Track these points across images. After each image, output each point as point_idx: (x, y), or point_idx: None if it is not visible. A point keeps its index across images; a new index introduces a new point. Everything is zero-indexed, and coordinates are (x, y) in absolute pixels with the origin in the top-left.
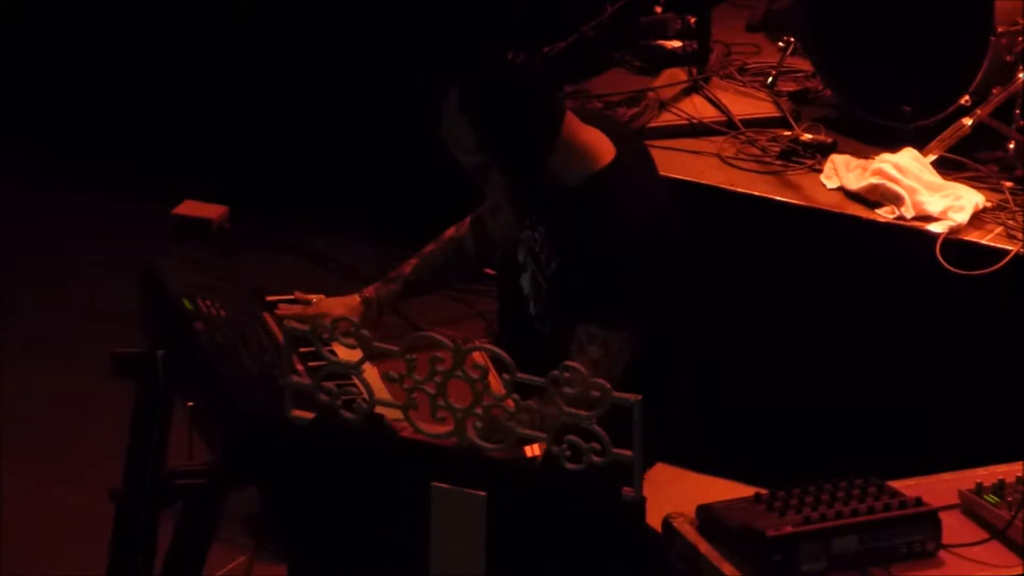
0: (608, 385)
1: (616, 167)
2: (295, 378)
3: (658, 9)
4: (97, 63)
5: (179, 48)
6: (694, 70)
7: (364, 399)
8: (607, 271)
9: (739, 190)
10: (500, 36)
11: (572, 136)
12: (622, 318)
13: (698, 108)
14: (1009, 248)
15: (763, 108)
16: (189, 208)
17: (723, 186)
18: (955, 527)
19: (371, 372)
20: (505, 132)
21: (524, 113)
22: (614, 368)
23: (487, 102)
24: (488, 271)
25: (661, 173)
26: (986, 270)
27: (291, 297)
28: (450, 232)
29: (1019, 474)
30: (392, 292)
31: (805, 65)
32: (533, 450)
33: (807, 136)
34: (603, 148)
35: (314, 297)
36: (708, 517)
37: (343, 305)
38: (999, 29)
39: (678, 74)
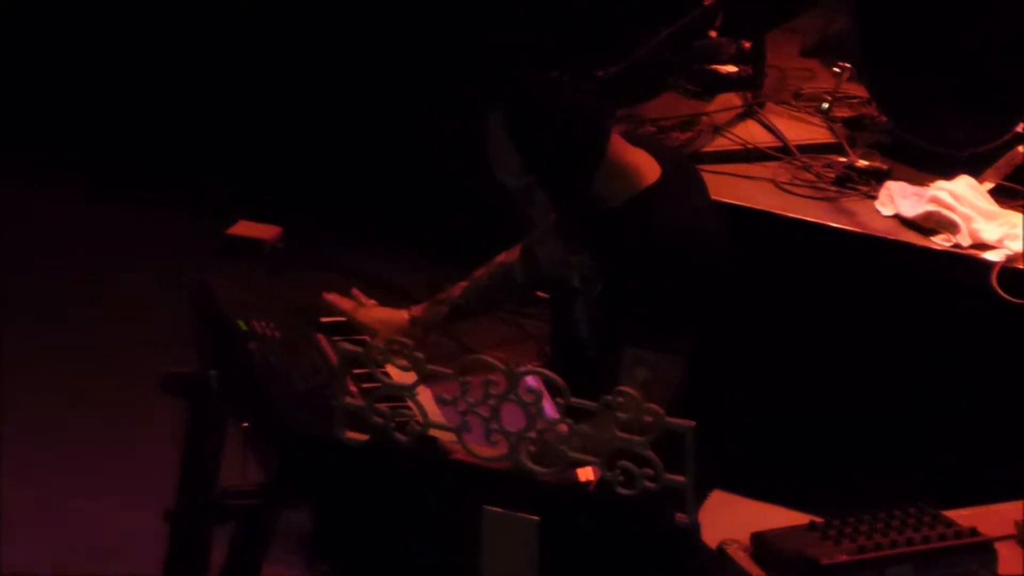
0: (661, 410)
1: (660, 187)
2: (349, 399)
3: (712, 33)
4: (162, 83)
5: (237, 70)
6: (748, 95)
7: (417, 421)
8: (651, 292)
9: (793, 216)
10: (544, 55)
11: (617, 156)
12: (668, 340)
13: (752, 133)
14: None
15: (818, 134)
16: (243, 228)
17: (777, 211)
18: (1011, 557)
19: (424, 394)
20: (550, 153)
21: (569, 133)
22: (664, 391)
23: (531, 122)
24: (539, 294)
25: (714, 198)
26: None
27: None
28: (501, 257)
29: None
30: (439, 314)
31: (860, 91)
32: (586, 475)
33: (862, 162)
34: (648, 168)
35: (369, 302)
36: (762, 544)
37: (389, 322)
38: None
39: (732, 99)
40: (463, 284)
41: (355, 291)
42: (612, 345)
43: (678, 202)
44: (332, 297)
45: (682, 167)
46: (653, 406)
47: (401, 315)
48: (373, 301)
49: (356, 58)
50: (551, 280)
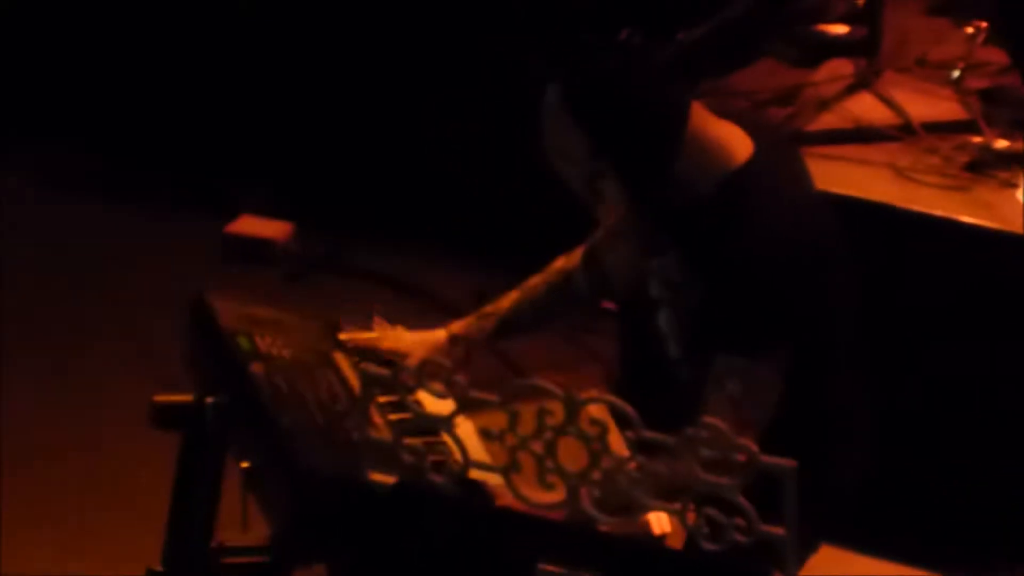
0: (754, 446)
1: (756, 165)
2: (373, 433)
3: None
4: (136, 57)
5: (236, 37)
6: (862, 62)
7: (456, 460)
8: (750, 289)
9: (917, 209)
10: (612, 15)
11: (701, 131)
12: (766, 344)
13: (867, 108)
14: None
15: (947, 109)
16: (246, 225)
17: (897, 204)
18: None
19: (465, 427)
20: (623, 132)
21: (643, 106)
22: (759, 410)
23: (597, 96)
24: (607, 305)
25: (819, 187)
26: None
27: (374, 334)
28: (559, 263)
29: None
30: (484, 330)
31: (999, 56)
32: (661, 525)
33: (1001, 143)
34: (738, 144)
35: (395, 329)
36: None
37: (425, 343)
38: None
39: (842, 67)
40: (514, 295)
41: (376, 318)
42: (706, 364)
43: (779, 182)
44: (348, 336)
45: (779, 144)
46: (746, 441)
47: (437, 335)
48: (398, 329)
49: (374, 46)
50: (623, 289)
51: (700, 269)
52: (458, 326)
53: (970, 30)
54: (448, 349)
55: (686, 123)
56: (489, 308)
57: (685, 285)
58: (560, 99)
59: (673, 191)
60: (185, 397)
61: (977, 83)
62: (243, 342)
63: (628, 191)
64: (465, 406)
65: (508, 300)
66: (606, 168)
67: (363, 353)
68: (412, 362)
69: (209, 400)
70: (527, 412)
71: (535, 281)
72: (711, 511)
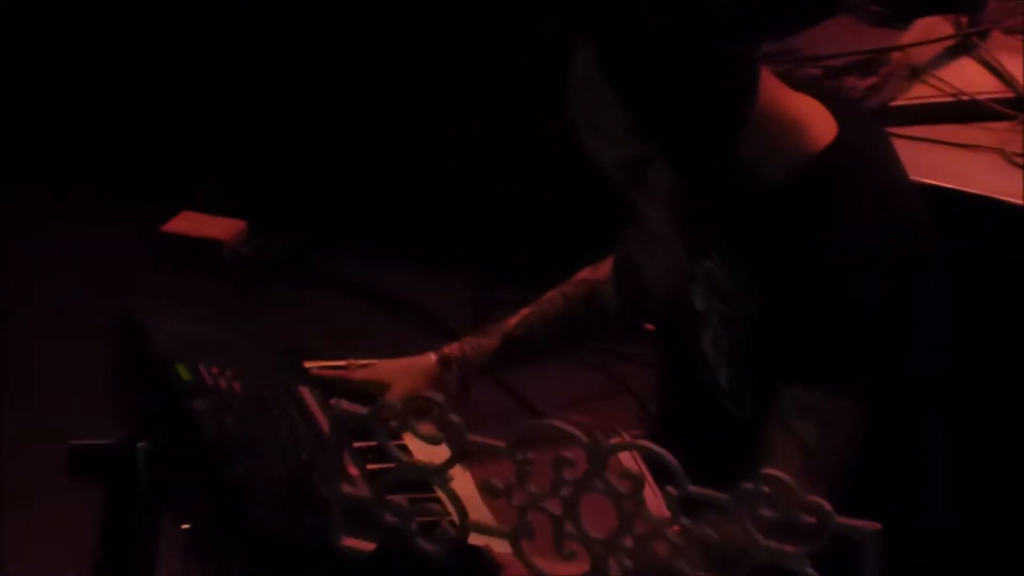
0: (828, 505)
1: (839, 149)
2: (347, 488)
3: None
4: (67, 35)
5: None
6: (963, 20)
7: (451, 521)
8: (828, 303)
9: None
10: None
11: (773, 106)
12: (850, 377)
13: (970, 78)
14: None
15: None
16: (187, 224)
17: (1007, 199)
18: None
19: (463, 480)
20: (674, 103)
21: (700, 72)
22: (835, 459)
23: (642, 60)
24: (647, 327)
25: (912, 177)
26: None
27: (342, 364)
28: (583, 274)
29: None
30: (485, 351)
31: None
32: None
33: None
34: (820, 123)
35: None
36: None
37: (410, 371)
38: None
39: (939, 26)
40: (524, 311)
41: (350, 362)
42: (770, 398)
43: (867, 171)
44: (316, 364)
45: (864, 123)
46: (817, 499)
47: (425, 360)
48: (376, 363)
49: (346, 38)
50: (662, 303)
51: (762, 276)
52: (452, 347)
53: None
54: (439, 375)
55: (755, 93)
56: (493, 326)
57: (741, 297)
58: (595, 63)
59: (736, 178)
60: (110, 440)
61: None
62: (183, 371)
63: (680, 178)
64: (463, 454)
65: (516, 317)
66: (653, 150)
67: (334, 386)
68: (395, 396)
69: (140, 444)
70: (541, 462)
71: (552, 295)
72: None
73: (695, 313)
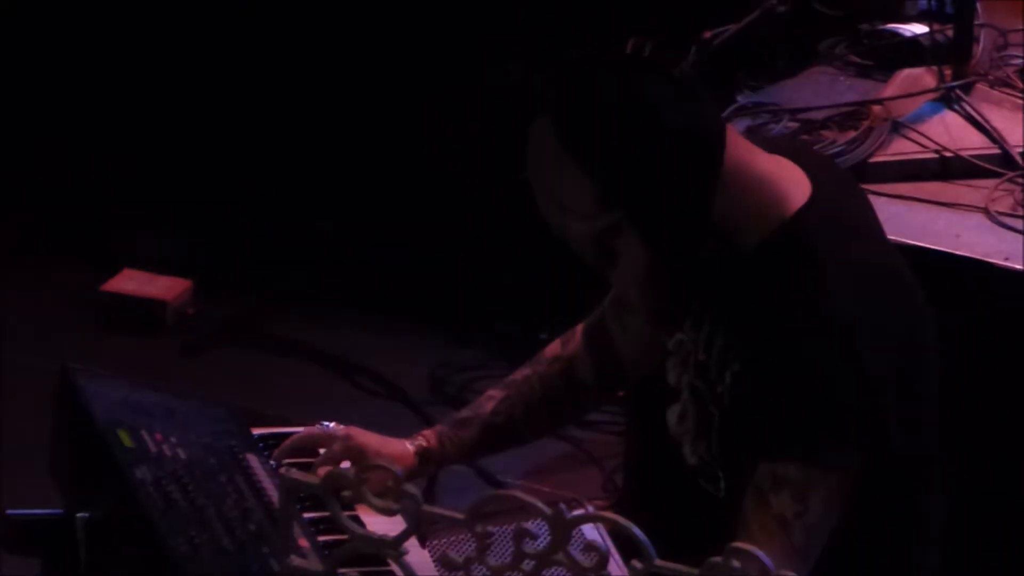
0: None
1: (814, 212)
2: (297, 560)
3: None
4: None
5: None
6: (947, 72)
7: None
8: (816, 376)
9: (1019, 267)
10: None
11: (743, 168)
12: (832, 451)
13: (953, 133)
14: None
15: None
16: (129, 283)
17: (994, 261)
18: None
19: (419, 554)
20: (639, 171)
21: (667, 136)
22: (813, 535)
23: (602, 127)
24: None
25: (891, 238)
26: None
27: (298, 430)
28: (552, 350)
29: None
30: (464, 443)
31: None
32: None
33: None
34: (793, 185)
35: (334, 426)
36: None
37: (386, 452)
38: None
39: (921, 78)
40: (497, 394)
41: (320, 424)
42: (746, 473)
43: (845, 233)
44: (266, 431)
45: (838, 179)
46: (788, 575)
47: (400, 448)
48: (349, 431)
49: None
50: (638, 375)
51: (737, 345)
52: (428, 436)
53: None
54: (418, 470)
55: (722, 155)
56: (466, 412)
57: (717, 368)
58: (553, 132)
59: (706, 244)
60: (48, 510)
61: None
62: (125, 438)
63: (650, 246)
64: (419, 526)
65: (490, 402)
66: (620, 220)
67: (289, 454)
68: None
69: (79, 515)
70: (502, 534)
71: (524, 373)
72: None
73: (667, 387)
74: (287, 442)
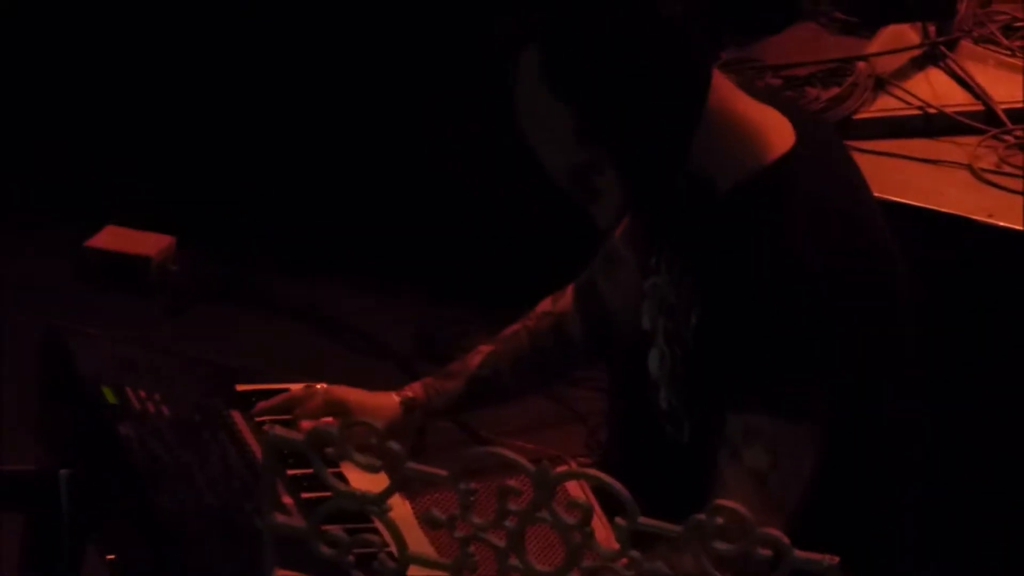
0: (784, 537)
1: (793, 162)
2: (280, 517)
3: None
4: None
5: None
6: (931, 28)
7: (391, 553)
8: (778, 321)
9: (1002, 224)
10: None
11: (727, 114)
12: (801, 401)
13: (937, 90)
14: None
15: None
16: (113, 239)
17: (976, 217)
18: None
19: (403, 510)
20: (621, 106)
21: (648, 73)
22: (790, 487)
23: (587, 62)
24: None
25: (876, 194)
26: None
27: (282, 387)
28: (544, 305)
29: None
30: (449, 394)
31: None
32: None
33: None
34: (776, 134)
35: (321, 387)
36: None
37: (370, 404)
38: None
39: (905, 34)
40: (486, 348)
41: (306, 385)
42: (712, 416)
43: (824, 183)
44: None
45: (822, 132)
46: (774, 532)
47: (386, 399)
48: (329, 388)
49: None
50: (624, 327)
51: (702, 288)
52: (414, 388)
53: None
54: (404, 420)
55: (705, 97)
56: (455, 366)
57: (683, 311)
58: (539, 66)
59: (684, 185)
60: (32, 466)
61: None
62: (109, 394)
63: (628, 184)
64: (403, 483)
65: (478, 355)
66: (601, 156)
67: (266, 401)
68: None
69: (63, 471)
70: (485, 491)
71: (515, 328)
72: None
73: (642, 332)
74: (270, 401)
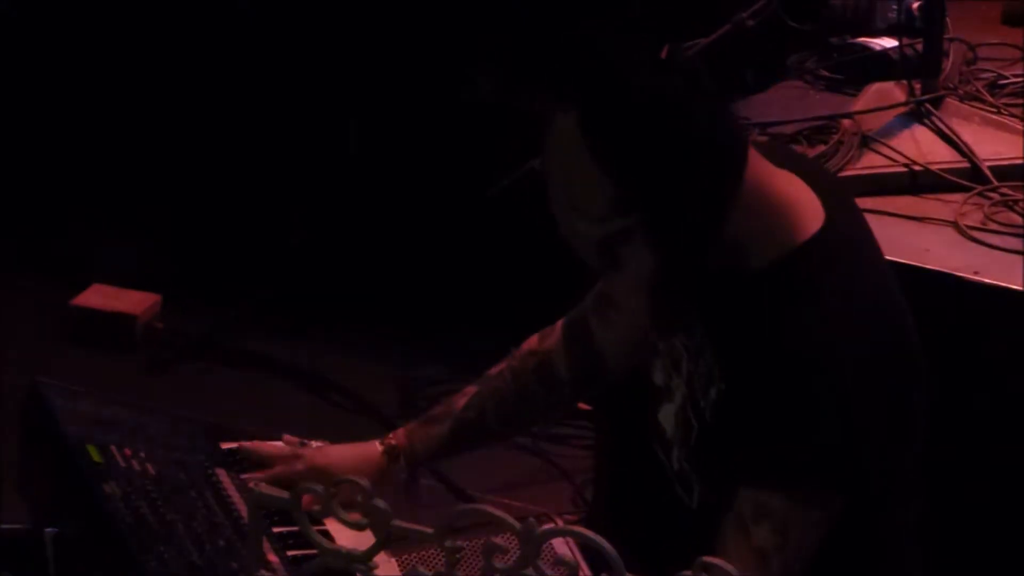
0: None
1: (825, 243)
2: (266, 575)
3: None
4: None
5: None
6: (917, 86)
7: None
8: (803, 404)
9: (988, 281)
10: (636, 18)
11: (761, 187)
12: (817, 485)
13: (923, 147)
14: None
15: None
16: (98, 297)
17: (962, 274)
18: None
19: (389, 567)
20: (665, 175)
21: (694, 141)
22: (791, 567)
23: (630, 126)
24: (582, 405)
25: None
26: None
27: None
28: (530, 344)
29: None
30: (432, 439)
31: None
32: None
33: None
34: (807, 208)
35: (309, 446)
36: None
37: (351, 458)
38: None
39: (891, 92)
40: (470, 390)
41: (286, 437)
42: (724, 484)
43: (853, 265)
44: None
45: (844, 203)
46: None
47: (368, 448)
48: (318, 443)
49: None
50: (617, 375)
51: (726, 365)
52: (397, 436)
53: None
54: (385, 467)
55: (743, 170)
56: (438, 410)
57: (703, 381)
58: (576, 131)
59: (716, 259)
60: (17, 525)
61: None
62: (94, 453)
63: (659, 255)
64: (388, 540)
65: (463, 397)
66: (632, 226)
67: (251, 459)
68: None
69: (48, 530)
70: (471, 549)
71: (499, 369)
72: None
73: (653, 387)
74: (264, 473)
